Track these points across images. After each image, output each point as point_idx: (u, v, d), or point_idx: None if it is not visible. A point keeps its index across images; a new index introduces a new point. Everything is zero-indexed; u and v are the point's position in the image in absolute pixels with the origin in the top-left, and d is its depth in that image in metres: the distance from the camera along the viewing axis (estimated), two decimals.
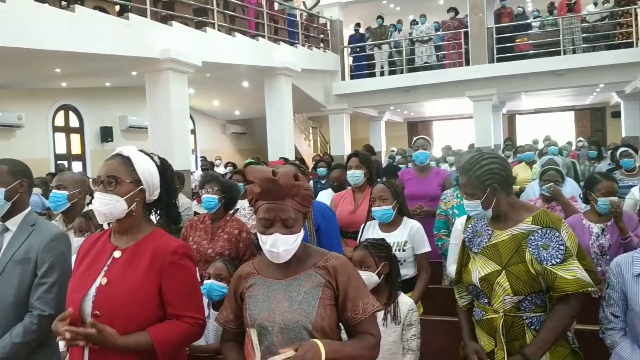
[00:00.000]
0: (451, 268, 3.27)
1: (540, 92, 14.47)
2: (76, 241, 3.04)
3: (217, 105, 14.96)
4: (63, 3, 7.04)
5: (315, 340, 1.69)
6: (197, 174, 10.92)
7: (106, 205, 1.89)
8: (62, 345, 2.85)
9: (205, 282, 2.90)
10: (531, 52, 12.78)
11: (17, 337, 2.18)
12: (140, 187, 1.95)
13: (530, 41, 13.02)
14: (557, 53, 12.26)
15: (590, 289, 2.11)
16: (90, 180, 2.00)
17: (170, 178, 2.07)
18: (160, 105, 8.19)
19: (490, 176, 2.24)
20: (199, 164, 13.34)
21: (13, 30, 5.96)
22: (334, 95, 13.96)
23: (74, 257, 3.10)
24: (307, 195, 1.83)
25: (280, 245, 1.77)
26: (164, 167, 2.05)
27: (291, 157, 10.57)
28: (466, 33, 12.98)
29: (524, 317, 2.18)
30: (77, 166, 11.91)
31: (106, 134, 12.31)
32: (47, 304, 2.23)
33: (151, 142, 8.19)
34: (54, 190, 3.45)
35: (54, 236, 2.34)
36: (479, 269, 2.27)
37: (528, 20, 13.49)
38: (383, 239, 2.89)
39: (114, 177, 1.91)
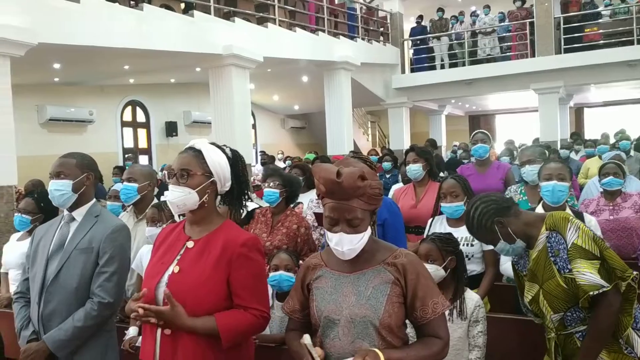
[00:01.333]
0: (506, 266, 3.19)
1: (610, 84, 13.79)
2: (148, 231, 3.16)
3: (276, 100, 15.14)
4: (132, 2, 7.31)
5: (376, 350, 1.68)
6: (257, 167, 11.10)
7: (179, 198, 1.95)
8: (132, 331, 3.00)
9: (274, 273, 2.94)
10: (601, 42, 12.19)
11: (78, 321, 2.29)
12: (212, 179, 2.00)
13: (601, 31, 12.43)
14: (630, 43, 11.64)
15: (602, 289, 1.99)
16: (165, 173, 2.07)
17: (242, 170, 2.10)
18: (223, 100, 8.38)
19: (487, 217, 2.22)
20: (259, 158, 13.57)
21: (86, 30, 6.26)
22: (393, 89, 13.83)
23: (144, 247, 3.24)
24: (375, 194, 1.79)
25: (345, 244, 1.76)
26: (235, 159, 2.08)
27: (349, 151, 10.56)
28: (532, 23, 12.54)
29: (574, 333, 2.13)
30: (143, 160, 12.35)
31: (171, 129, 12.70)
32: (107, 292, 2.33)
33: (214, 136, 8.40)
34: (125, 183, 3.60)
35: (116, 228, 2.44)
36: (526, 291, 2.26)
37: (598, 9, 12.88)
38: (450, 233, 2.85)
39: (186, 170, 1.97)
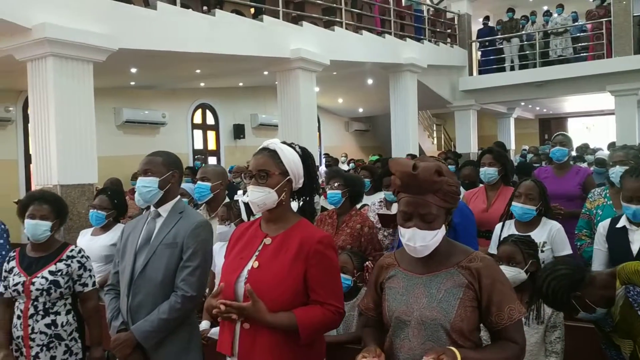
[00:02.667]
0: None
1: None
2: (219, 228, 3.26)
3: (341, 102, 15.19)
4: (204, 8, 7.55)
5: (453, 348, 1.66)
6: (322, 170, 11.18)
7: (259, 198, 2.02)
8: (204, 324, 3.09)
9: None
10: None
11: (163, 313, 2.39)
12: (288, 177, 2.06)
13: None
14: None
15: None
16: (242, 175, 2.13)
17: (312, 166, 2.15)
18: (290, 103, 8.51)
19: (561, 294, 2.16)
20: (323, 160, 13.65)
21: (162, 35, 6.53)
22: (460, 91, 13.57)
23: (215, 244, 3.35)
24: (451, 192, 1.78)
25: (418, 240, 1.75)
26: (305, 155, 2.13)
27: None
28: (609, 22, 11.98)
29: None
30: (212, 161, 12.70)
31: (238, 131, 12.99)
32: (190, 286, 2.42)
33: (280, 138, 8.45)
34: (198, 182, 3.74)
35: (199, 224, 2.53)
36: (623, 349, 2.19)
37: None
38: (529, 236, 2.78)
39: (265, 171, 2.03)
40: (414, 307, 1.77)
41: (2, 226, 4.71)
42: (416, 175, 1.72)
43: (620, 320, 2.14)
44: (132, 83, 10.17)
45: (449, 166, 7.27)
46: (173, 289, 2.44)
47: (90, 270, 3.05)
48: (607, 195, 3.70)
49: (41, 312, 2.91)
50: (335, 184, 3.76)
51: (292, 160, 2.07)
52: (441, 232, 1.78)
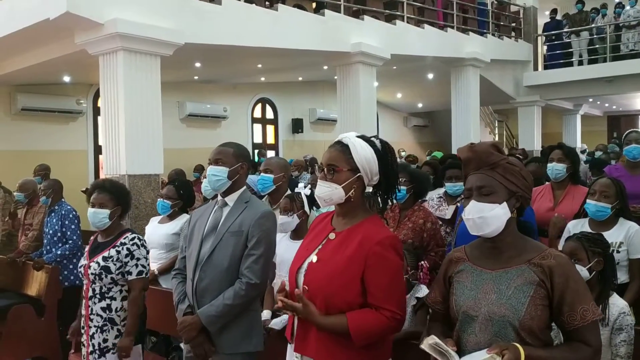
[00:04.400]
0: None
1: None
2: (280, 219, 3.30)
3: (400, 97, 15.05)
4: (267, 3, 7.64)
5: (517, 345, 1.62)
6: None
7: (325, 193, 2.00)
8: (266, 314, 3.15)
9: None
10: None
11: (228, 299, 2.46)
12: (358, 174, 2.00)
13: None
14: None
15: None
16: (317, 166, 2.13)
17: (391, 162, 2.05)
18: (350, 98, 8.50)
19: None
20: None
21: (226, 30, 6.66)
22: (524, 87, 13.18)
23: (278, 235, 3.40)
24: (512, 170, 1.77)
25: (474, 212, 1.73)
26: (384, 151, 2.04)
27: None
28: None
29: None
30: (270, 155, 12.87)
31: (297, 126, 13.11)
32: (254, 273, 2.48)
33: (339, 133, 8.50)
34: (262, 174, 3.80)
35: (263, 213, 2.58)
36: None
37: None
38: (600, 234, 2.68)
39: (333, 166, 2.00)
40: (482, 302, 1.73)
41: (74, 213, 4.97)
42: (473, 147, 1.78)
43: None
44: (196, 77, 10.43)
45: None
46: (238, 276, 2.50)
47: (138, 260, 3.03)
48: None
49: (98, 295, 3.01)
50: (402, 179, 3.72)
51: (364, 157, 1.98)
52: (502, 209, 1.73)
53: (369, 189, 2.09)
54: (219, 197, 2.67)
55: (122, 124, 5.72)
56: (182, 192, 4.19)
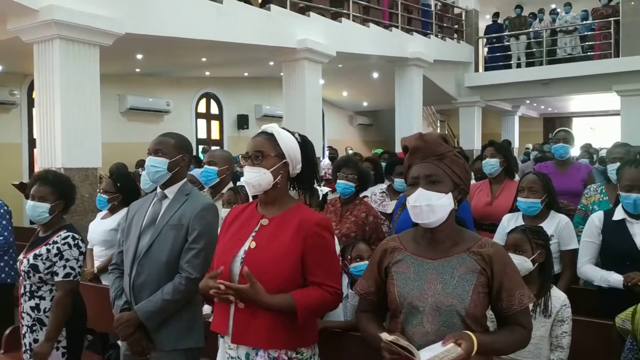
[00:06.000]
0: (585, 269, 3.06)
1: None
2: (223, 212, 3.26)
3: (345, 96, 15.16)
4: None
5: (469, 333, 1.67)
6: (325, 163, 11.16)
7: (255, 178, 2.03)
8: (207, 309, 3.09)
9: (359, 263, 2.95)
10: None
11: (167, 294, 2.39)
12: (284, 160, 2.07)
13: None
14: None
15: None
16: (240, 156, 2.15)
17: (311, 153, 2.16)
18: (295, 94, 8.48)
19: None
20: (326, 153, 13.63)
21: (169, 21, 6.51)
22: (465, 88, 13.54)
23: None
24: (458, 162, 1.81)
25: (422, 200, 1.76)
26: (304, 143, 2.15)
27: None
28: (617, 22, 11.93)
29: None
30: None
31: (242, 122, 12.97)
32: (195, 268, 2.42)
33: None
34: (205, 166, 3.73)
35: (205, 206, 2.52)
36: None
37: None
38: (541, 227, 2.76)
39: (260, 152, 2.05)
40: (428, 292, 1.75)
41: (5, 207, 4.73)
42: (423, 137, 1.82)
43: None
44: (137, 70, 10.15)
45: None
46: (177, 271, 2.44)
47: (67, 260, 2.89)
48: (603, 191, 3.70)
49: (28, 294, 2.89)
50: (349, 174, 3.75)
51: (289, 145, 2.08)
52: (448, 198, 1.78)
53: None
54: (158, 190, 2.60)
55: (58, 116, 5.49)
56: (120, 186, 4.04)
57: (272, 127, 2.12)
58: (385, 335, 1.68)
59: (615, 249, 2.94)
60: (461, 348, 1.61)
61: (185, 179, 2.64)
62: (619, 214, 2.97)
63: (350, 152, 12.76)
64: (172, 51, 8.22)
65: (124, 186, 4.06)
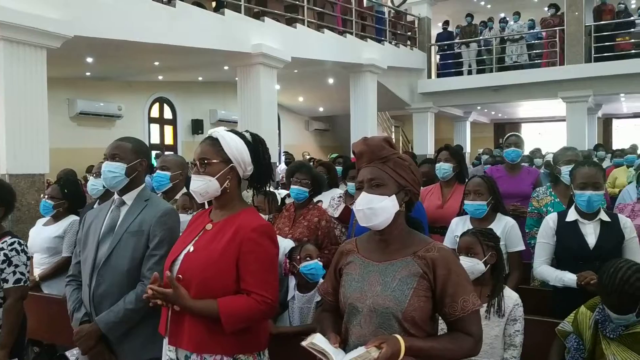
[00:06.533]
0: (540, 269, 3.15)
1: None
2: (180, 217, 3.20)
3: (301, 101, 15.20)
4: None
5: (397, 336, 1.66)
6: (281, 168, 11.15)
7: (200, 186, 2.03)
8: None
9: (309, 262, 2.96)
10: (632, 51, 12.01)
11: (129, 303, 2.31)
12: (231, 165, 2.06)
13: (632, 40, 12.25)
14: None
15: None
16: (189, 163, 2.13)
17: (263, 152, 2.14)
18: (250, 99, 8.45)
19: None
20: (282, 158, 13.62)
21: (120, 24, 6.38)
22: (419, 94, 13.79)
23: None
24: (402, 165, 1.82)
25: (364, 203, 1.77)
26: (255, 142, 2.13)
27: None
28: (562, 31, 12.41)
29: None
30: None
31: (197, 127, 12.83)
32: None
33: None
34: (158, 171, 3.66)
35: (165, 211, 2.45)
36: (619, 358, 2.25)
37: (631, 18, 12.68)
38: (491, 229, 2.83)
39: (205, 159, 2.04)
40: (367, 294, 1.76)
41: None
42: (367, 141, 1.83)
43: None
44: (88, 73, 9.91)
45: None
46: (139, 279, 2.36)
47: (16, 266, 2.81)
48: (552, 193, 3.83)
49: None
50: (302, 180, 3.75)
51: (235, 148, 2.06)
52: (391, 201, 1.77)
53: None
54: (116, 196, 2.52)
55: (2, 121, 5.30)
56: (67, 192, 3.92)
57: (217, 132, 2.09)
58: (309, 338, 1.73)
59: (568, 250, 3.02)
60: (382, 352, 1.60)
61: (144, 184, 2.56)
62: (572, 215, 3.05)
63: (307, 157, 12.81)
64: (124, 55, 8.06)
65: (70, 193, 3.94)
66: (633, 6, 14.61)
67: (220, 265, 1.96)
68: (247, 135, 2.13)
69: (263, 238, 2.01)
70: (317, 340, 1.73)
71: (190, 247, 2.03)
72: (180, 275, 1.97)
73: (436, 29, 14.91)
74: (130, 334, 2.35)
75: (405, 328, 1.71)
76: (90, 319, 2.37)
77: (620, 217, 3.00)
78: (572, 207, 3.07)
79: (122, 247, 2.38)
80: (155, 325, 2.38)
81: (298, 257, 2.99)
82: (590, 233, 2.96)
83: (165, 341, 2.09)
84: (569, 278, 2.90)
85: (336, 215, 4.41)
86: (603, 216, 2.96)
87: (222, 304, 1.92)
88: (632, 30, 12.42)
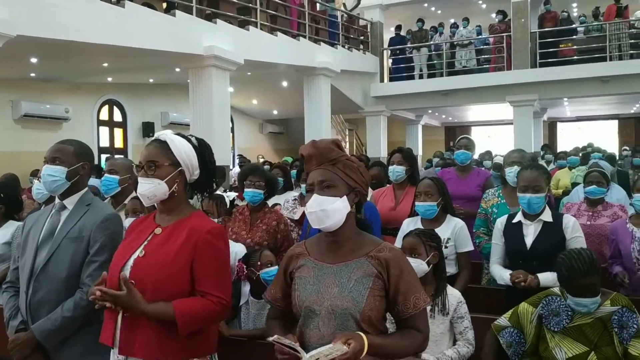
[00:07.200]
0: (492, 268, 3.26)
1: (583, 100, 14.16)
2: (127, 222, 3.13)
3: (255, 104, 15.13)
4: None
5: (360, 333, 1.69)
6: (235, 171, 11.06)
7: (148, 189, 1.99)
8: None
9: (271, 268, 2.95)
10: (575, 57, 12.53)
11: (67, 311, 2.25)
12: (179, 168, 2.03)
13: (575, 47, 12.77)
14: (602, 59, 11.97)
15: None
16: (134, 166, 2.08)
17: (209, 157, 2.13)
18: (202, 102, 8.35)
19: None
20: (236, 161, 13.51)
21: (66, 24, 6.18)
22: (372, 97, 13.95)
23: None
24: (351, 166, 1.85)
25: (316, 205, 1.78)
26: (201, 147, 2.11)
27: None
28: (509, 37, 12.81)
29: None
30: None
31: (148, 129, 12.57)
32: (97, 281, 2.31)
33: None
34: (106, 175, 3.57)
35: (107, 216, 2.40)
36: (564, 349, 2.39)
37: (573, 26, 13.22)
38: (433, 230, 2.89)
39: (153, 162, 2.00)
40: (325, 296, 1.77)
41: None
42: (315, 144, 1.84)
43: (588, 328, 2.41)
44: (33, 74, 9.58)
45: None
46: (78, 286, 2.30)
47: None
48: (501, 194, 3.95)
49: None
50: (256, 182, 3.74)
51: (184, 151, 2.03)
52: (343, 202, 1.80)
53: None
54: (57, 200, 2.44)
55: None
56: (4, 196, 3.76)
57: (165, 135, 2.06)
58: (274, 337, 1.70)
59: (511, 250, 3.16)
60: (352, 346, 1.62)
61: (86, 189, 2.49)
62: (518, 217, 3.18)
63: (261, 160, 12.77)
64: (71, 55, 7.82)
65: (7, 197, 3.78)
66: (575, 14, 15.21)
67: (174, 268, 1.93)
68: (193, 139, 2.11)
69: (218, 240, 2.00)
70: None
71: (141, 252, 1.98)
72: (132, 281, 1.92)
73: (388, 34, 15.12)
74: (67, 343, 2.29)
75: (363, 328, 1.74)
76: (27, 327, 2.30)
77: (564, 218, 3.13)
78: (520, 209, 3.19)
79: (61, 253, 2.31)
80: (96, 333, 2.31)
81: (258, 262, 2.97)
82: (530, 234, 3.09)
83: (114, 351, 2.00)
84: (507, 276, 3.03)
85: (296, 218, 4.41)
86: (546, 217, 3.08)
87: (178, 306, 1.90)
88: (574, 37, 12.95)
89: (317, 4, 11.98)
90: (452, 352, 2.56)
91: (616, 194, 4.71)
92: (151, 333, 1.90)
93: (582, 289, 2.34)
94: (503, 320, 2.59)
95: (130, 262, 1.98)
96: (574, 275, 2.32)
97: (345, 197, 1.82)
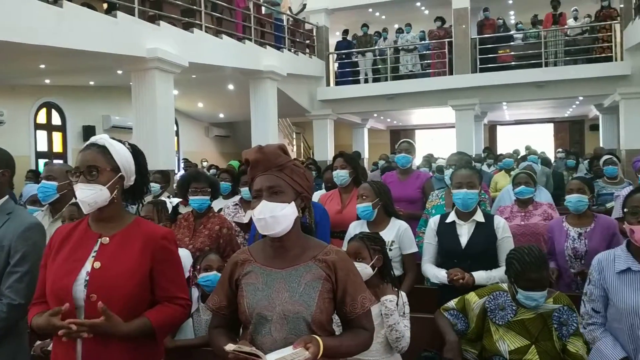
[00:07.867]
0: (424, 267, 3.35)
1: (520, 104, 14.72)
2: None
3: (201, 107, 14.92)
4: None
5: (316, 337, 1.71)
6: (180, 175, 10.87)
7: (90, 196, 1.90)
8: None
9: (207, 274, 2.91)
10: (513, 63, 13.01)
11: None
12: (120, 174, 1.97)
13: (512, 53, 13.27)
14: (539, 65, 12.49)
15: None
16: (67, 172, 2.01)
17: (143, 162, 2.10)
18: (146, 105, 8.18)
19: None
20: (182, 165, 13.28)
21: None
22: (318, 101, 14.03)
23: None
24: (298, 171, 1.86)
25: (266, 212, 1.77)
26: (136, 152, 2.07)
27: None
28: (450, 43, 13.16)
29: None
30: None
31: (88, 133, 12.16)
32: (18, 293, 2.21)
33: (135, 141, 8.00)
34: (43, 181, 3.43)
35: (29, 226, 2.31)
36: (507, 342, 2.51)
37: (510, 32, 13.72)
38: (377, 233, 2.93)
39: (95, 167, 1.92)
40: (276, 301, 1.77)
41: None
42: (262, 150, 1.83)
43: (529, 322, 2.53)
44: None
45: (312, 172, 7.54)
46: None
47: None
48: (443, 196, 4.06)
49: None
50: (203, 188, 3.69)
51: (123, 156, 1.99)
52: (291, 208, 1.81)
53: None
54: None
55: None
56: None
57: (103, 139, 1.99)
58: (229, 346, 1.67)
59: (445, 249, 3.27)
60: (311, 350, 1.65)
61: (6, 197, 2.40)
62: (451, 217, 3.28)
63: (205, 164, 12.59)
64: (5, 56, 7.48)
65: None
66: (512, 21, 15.79)
67: (136, 277, 1.90)
68: (127, 144, 2.05)
69: (172, 245, 2.02)
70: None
71: (95, 264, 1.88)
72: (93, 295, 1.83)
73: (334, 38, 15.25)
74: None
75: (314, 330, 1.77)
76: None
77: (495, 218, 3.28)
78: (453, 210, 3.30)
79: None
80: (16, 348, 2.25)
81: (198, 267, 2.94)
82: (464, 233, 3.21)
83: None
84: (442, 275, 3.13)
85: (245, 222, 4.37)
86: (478, 217, 3.21)
87: (154, 318, 1.90)
88: (512, 43, 13.44)
89: (263, 7, 11.95)
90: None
91: (544, 196, 4.92)
92: (117, 349, 1.86)
93: (533, 282, 2.46)
94: (451, 304, 2.74)
95: (84, 275, 1.88)
96: (527, 269, 2.46)
97: (293, 202, 1.83)
